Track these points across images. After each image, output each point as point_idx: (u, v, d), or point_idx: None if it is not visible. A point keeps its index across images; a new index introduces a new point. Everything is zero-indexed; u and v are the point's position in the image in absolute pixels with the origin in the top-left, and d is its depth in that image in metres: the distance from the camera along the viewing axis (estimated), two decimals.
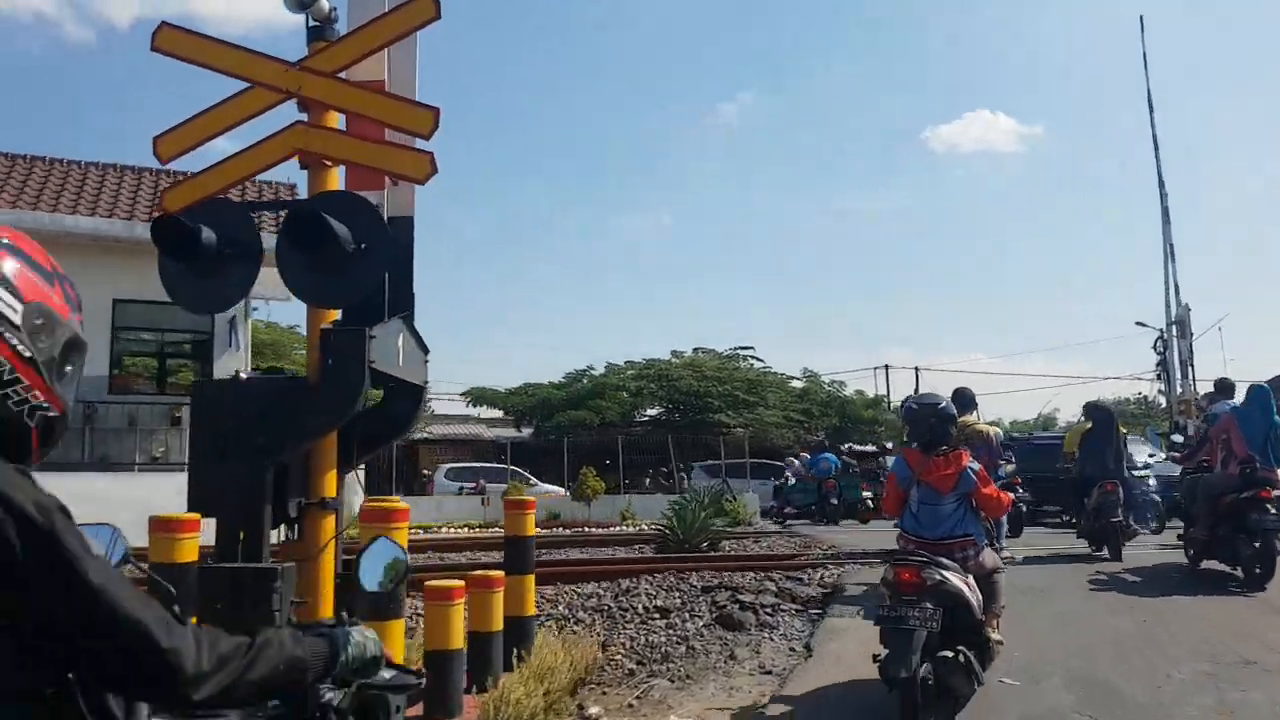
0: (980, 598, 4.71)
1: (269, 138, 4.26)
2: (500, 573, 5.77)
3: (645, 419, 36.38)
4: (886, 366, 42.52)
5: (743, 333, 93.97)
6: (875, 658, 4.43)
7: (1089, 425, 11.20)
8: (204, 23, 72.41)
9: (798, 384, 39.46)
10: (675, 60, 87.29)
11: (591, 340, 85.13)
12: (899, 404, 39.62)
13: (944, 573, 4.54)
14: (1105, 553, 10.06)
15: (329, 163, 4.23)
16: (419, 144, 4.13)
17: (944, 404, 5.30)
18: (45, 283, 1.38)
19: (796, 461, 23.04)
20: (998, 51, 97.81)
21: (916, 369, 42.17)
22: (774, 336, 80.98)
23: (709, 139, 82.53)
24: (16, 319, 1.30)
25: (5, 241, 1.36)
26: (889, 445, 24.80)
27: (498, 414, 38.15)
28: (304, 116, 4.24)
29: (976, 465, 5.14)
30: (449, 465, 30.23)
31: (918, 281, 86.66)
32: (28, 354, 1.31)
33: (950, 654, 4.49)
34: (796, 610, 7.69)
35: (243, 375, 5.48)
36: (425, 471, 32.25)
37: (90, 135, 78.96)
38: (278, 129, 4.27)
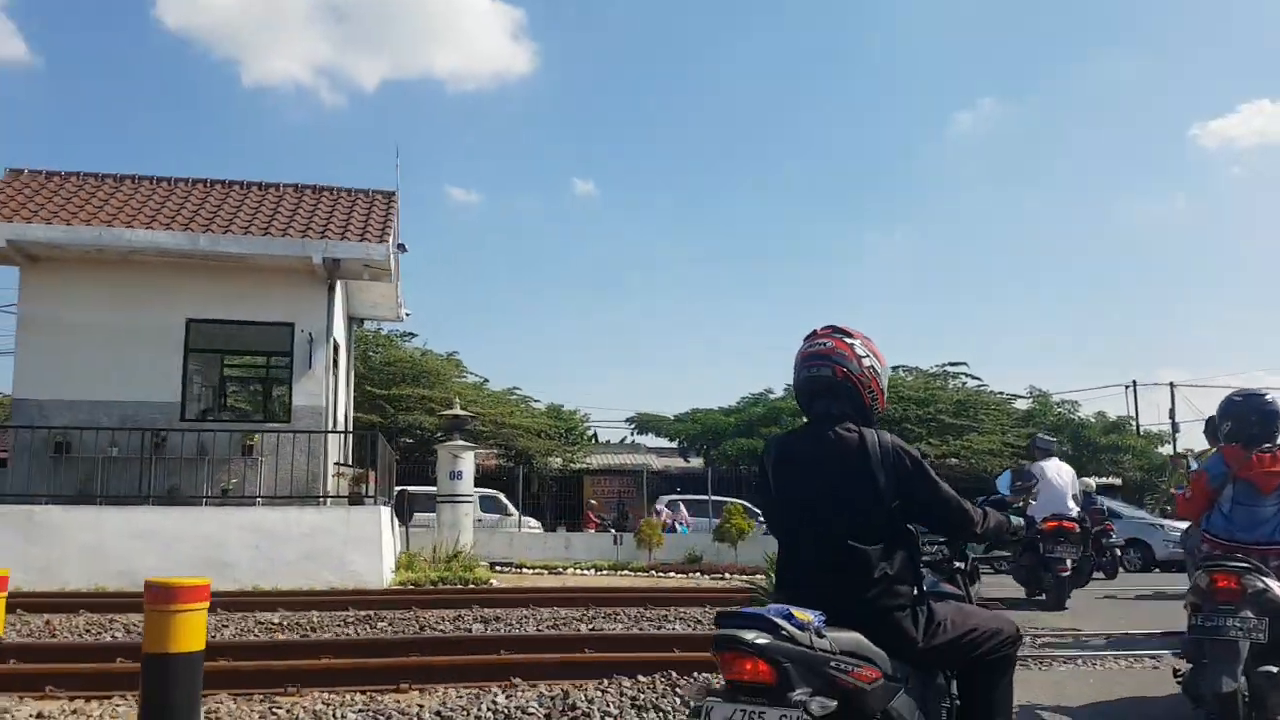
0: None
1: None
2: None
3: None
4: (1134, 383, 36.21)
5: (958, 349, 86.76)
6: (1176, 674, 4.49)
7: None
8: (442, 80, 76.23)
9: (1022, 404, 34.33)
10: (903, 72, 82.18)
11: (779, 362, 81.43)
12: (1166, 427, 33.76)
13: (1266, 580, 4.28)
14: None
15: None
16: None
17: (1270, 397, 5.05)
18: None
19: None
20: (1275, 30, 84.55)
21: (1172, 384, 35.70)
22: (999, 352, 73.57)
23: (946, 149, 77.02)
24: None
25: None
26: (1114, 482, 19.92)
27: (668, 443, 35.79)
28: None
29: None
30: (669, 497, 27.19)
31: (1182, 292, 76.11)
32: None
33: (1275, 669, 4.19)
34: None
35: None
36: (593, 502, 30.31)
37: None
38: None
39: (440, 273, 74.47)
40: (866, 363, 2.90)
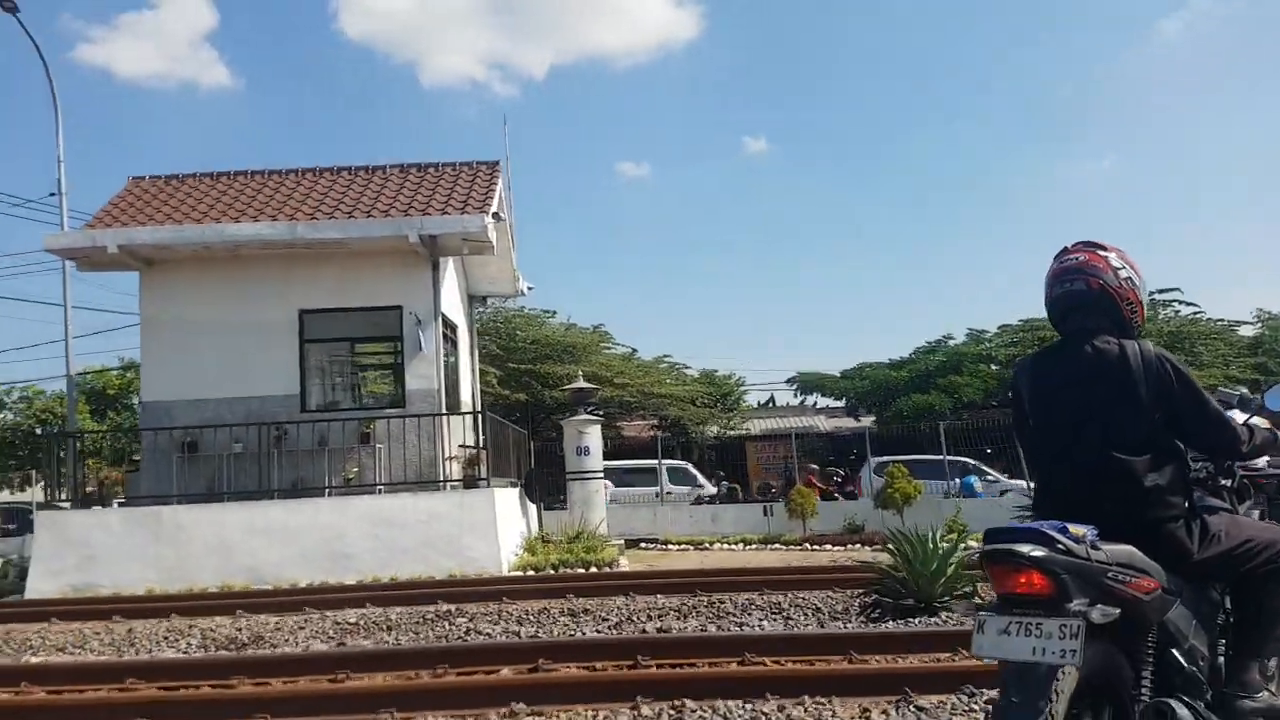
0: None
1: None
2: None
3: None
4: None
5: (1170, 275, 78.12)
6: None
7: None
8: (608, 58, 76.51)
9: (1247, 330, 29.93)
10: None
11: (964, 308, 76.12)
12: None
13: None
14: None
15: None
16: None
17: None
18: None
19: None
20: None
21: None
22: (1216, 276, 65.59)
23: (1150, 63, 69.55)
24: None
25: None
26: None
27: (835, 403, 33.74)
28: None
29: None
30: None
31: None
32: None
33: None
34: None
35: None
36: (813, 466, 28.58)
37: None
38: None
39: (612, 248, 74.87)
40: (1123, 274, 2.90)
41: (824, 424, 33.75)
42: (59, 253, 13.25)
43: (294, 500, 13.08)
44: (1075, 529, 2.47)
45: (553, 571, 12.67)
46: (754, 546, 17.17)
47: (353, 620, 8.92)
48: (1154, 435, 2.72)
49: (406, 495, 13.19)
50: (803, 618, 8.73)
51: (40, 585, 12.18)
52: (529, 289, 18.39)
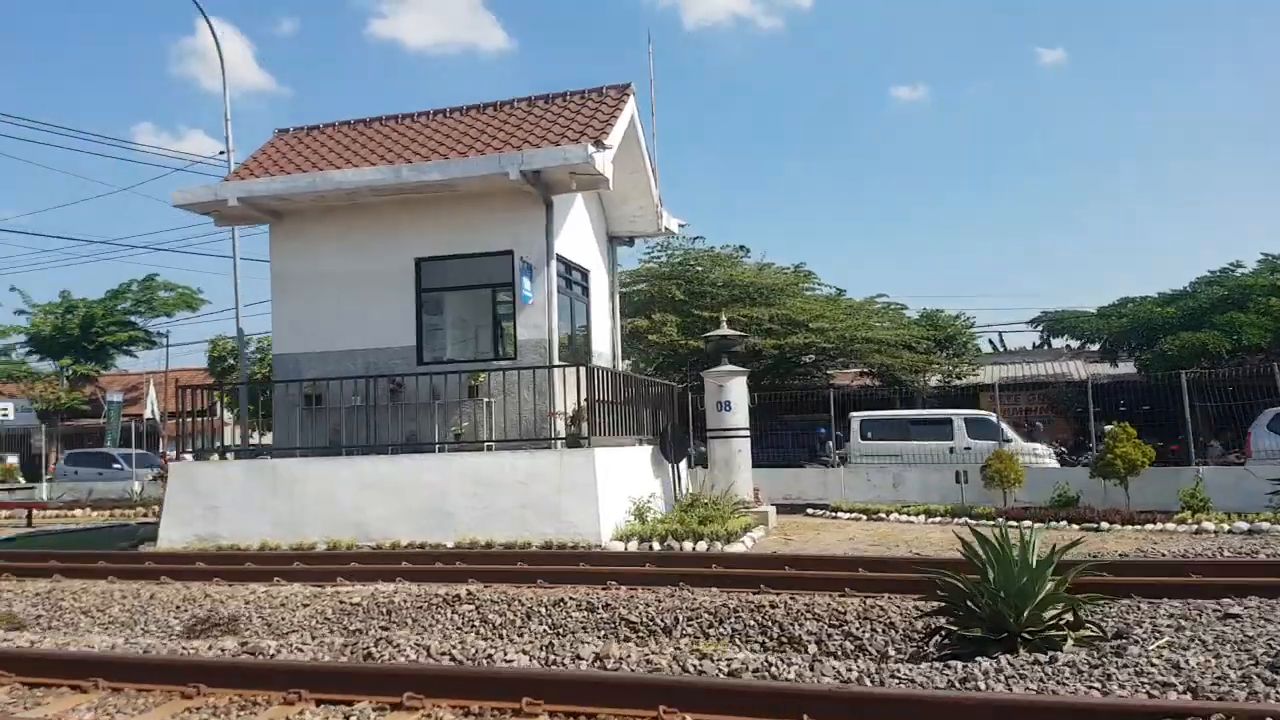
0: None
1: None
2: None
3: None
4: None
5: None
6: None
7: None
8: None
9: None
10: None
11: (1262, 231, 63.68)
12: None
13: None
14: None
15: None
16: None
17: None
18: None
19: None
20: None
21: None
22: None
23: None
24: None
25: None
26: None
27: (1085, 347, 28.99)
28: None
29: None
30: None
31: None
32: None
33: None
34: None
35: None
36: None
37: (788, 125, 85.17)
38: None
39: (882, 184, 70.53)
40: None
41: (1079, 370, 29.24)
42: (187, 207, 13.54)
43: (399, 456, 12.64)
44: None
45: (656, 546, 11.30)
46: (937, 519, 14.74)
47: (357, 600, 8.09)
48: None
49: (506, 454, 12.32)
50: (869, 635, 6.75)
51: (170, 534, 12.68)
52: (680, 226, 16.77)
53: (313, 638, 6.90)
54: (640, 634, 7.15)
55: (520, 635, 7.30)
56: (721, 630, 7.08)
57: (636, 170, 15.30)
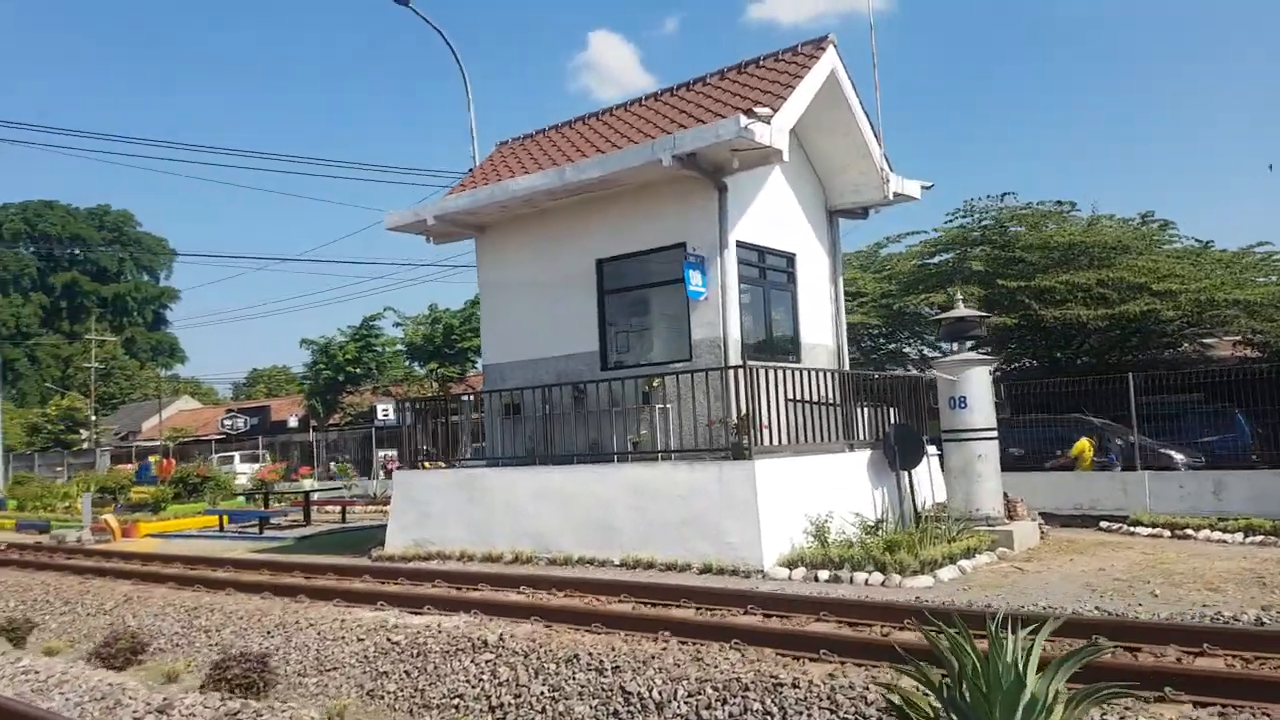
0: None
1: None
2: None
3: None
4: None
5: None
6: None
7: None
8: None
9: None
10: None
11: None
12: None
13: None
14: None
15: None
16: None
17: None
18: None
19: None
20: None
21: None
22: None
23: None
24: None
25: None
26: None
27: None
28: None
29: None
30: None
31: None
32: None
33: None
34: None
35: None
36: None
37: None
38: None
39: None
40: None
41: None
42: (398, 229, 14.18)
43: (570, 466, 12.16)
44: None
45: (823, 575, 9.52)
46: (1258, 538, 10.95)
47: (399, 639, 7.65)
48: None
49: (667, 465, 11.27)
50: None
51: (394, 540, 13.42)
52: (925, 188, 14.21)
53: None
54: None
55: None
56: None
57: (849, 133, 13.25)
